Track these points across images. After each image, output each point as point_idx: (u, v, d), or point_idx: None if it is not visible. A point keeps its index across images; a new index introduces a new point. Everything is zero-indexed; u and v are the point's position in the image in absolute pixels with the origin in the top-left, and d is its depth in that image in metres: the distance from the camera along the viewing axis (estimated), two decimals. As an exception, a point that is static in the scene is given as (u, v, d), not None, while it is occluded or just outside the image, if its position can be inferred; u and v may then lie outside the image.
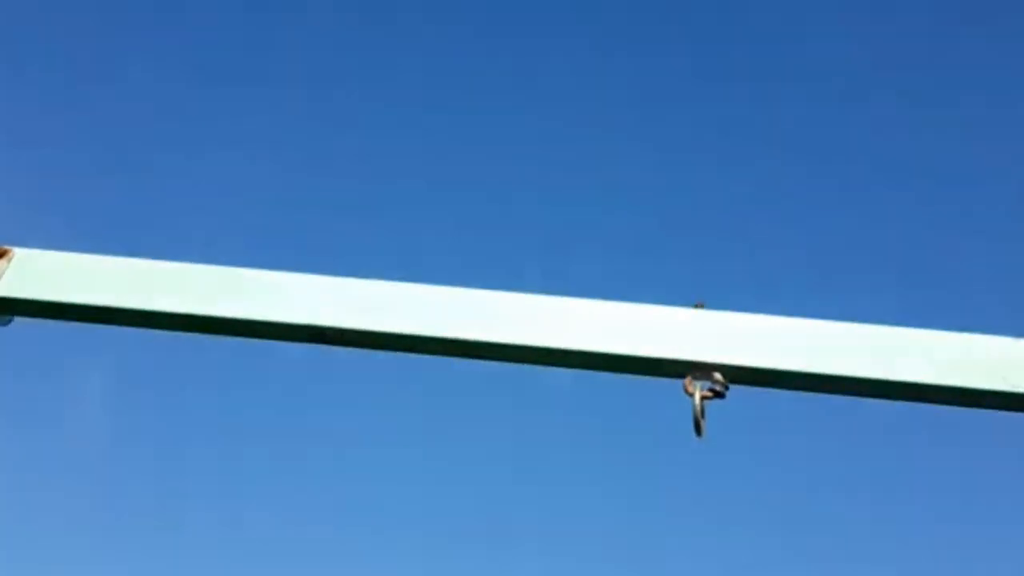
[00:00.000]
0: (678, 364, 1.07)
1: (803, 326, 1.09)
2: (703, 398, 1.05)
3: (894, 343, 1.06)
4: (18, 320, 1.14)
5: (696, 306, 1.12)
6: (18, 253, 1.12)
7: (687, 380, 1.07)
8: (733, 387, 1.06)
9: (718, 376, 1.06)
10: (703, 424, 1.04)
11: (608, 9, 6.33)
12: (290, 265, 1.16)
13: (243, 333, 1.15)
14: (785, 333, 1.08)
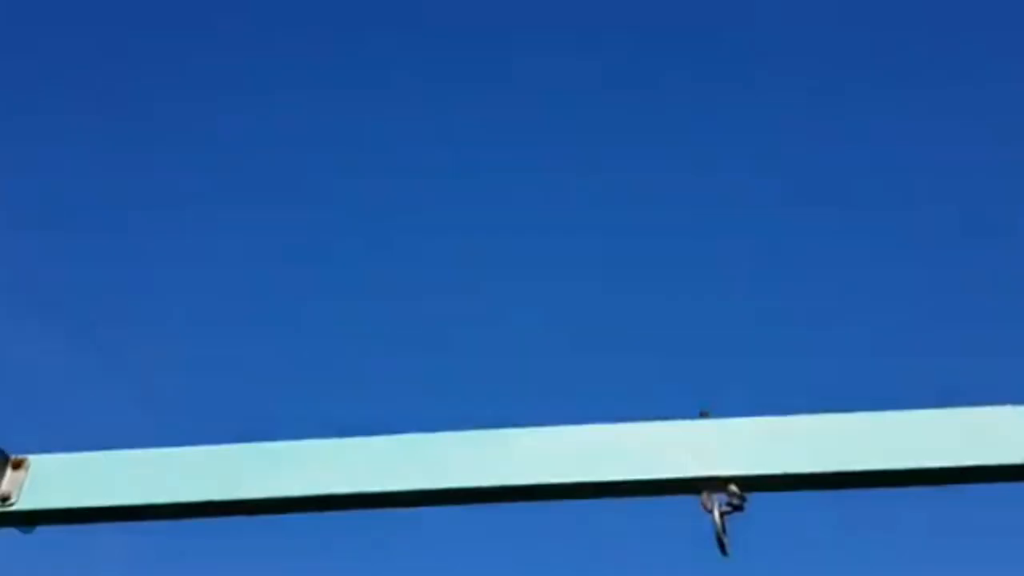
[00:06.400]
0: (691, 482, 1.04)
1: (811, 423, 1.06)
2: (722, 514, 1.01)
3: (907, 427, 1.03)
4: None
5: (701, 415, 1.10)
6: (34, 462, 1.14)
7: (704, 496, 1.03)
8: (752, 495, 1.03)
9: (734, 488, 1.02)
10: (727, 541, 1.00)
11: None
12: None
13: (268, 511, 1.14)
14: (795, 433, 1.06)
